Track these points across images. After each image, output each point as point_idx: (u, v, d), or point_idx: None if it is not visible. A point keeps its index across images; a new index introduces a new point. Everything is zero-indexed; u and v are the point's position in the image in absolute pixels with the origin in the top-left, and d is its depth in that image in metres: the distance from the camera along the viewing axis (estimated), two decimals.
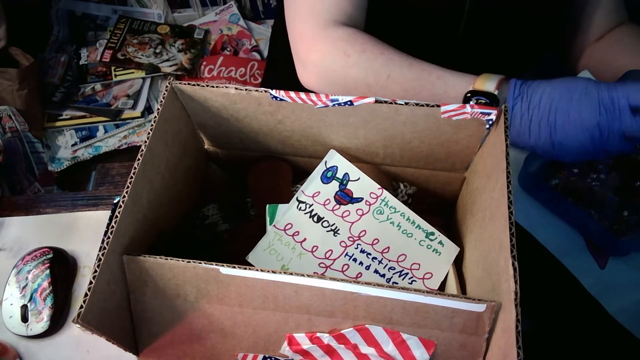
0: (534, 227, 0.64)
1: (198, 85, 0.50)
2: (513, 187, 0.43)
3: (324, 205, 0.53)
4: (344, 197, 0.53)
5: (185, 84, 0.51)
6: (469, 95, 0.58)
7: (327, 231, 0.52)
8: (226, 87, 0.50)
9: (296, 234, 0.51)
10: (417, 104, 0.48)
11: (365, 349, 0.43)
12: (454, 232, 0.59)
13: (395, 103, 0.48)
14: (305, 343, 0.44)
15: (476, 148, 0.53)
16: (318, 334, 0.44)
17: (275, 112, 0.52)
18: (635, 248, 0.62)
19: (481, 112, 0.48)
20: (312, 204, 0.52)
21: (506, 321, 0.38)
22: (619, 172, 0.65)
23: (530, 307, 0.48)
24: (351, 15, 0.66)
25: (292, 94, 0.50)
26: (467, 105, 0.47)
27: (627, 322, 0.58)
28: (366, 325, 0.42)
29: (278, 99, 0.50)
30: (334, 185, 0.53)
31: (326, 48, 0.64)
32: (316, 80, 0.66)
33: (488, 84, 0.58)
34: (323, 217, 0.52)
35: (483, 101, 0.57)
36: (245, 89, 0.50)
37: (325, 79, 0.65)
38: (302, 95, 0.49)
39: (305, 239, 0.51)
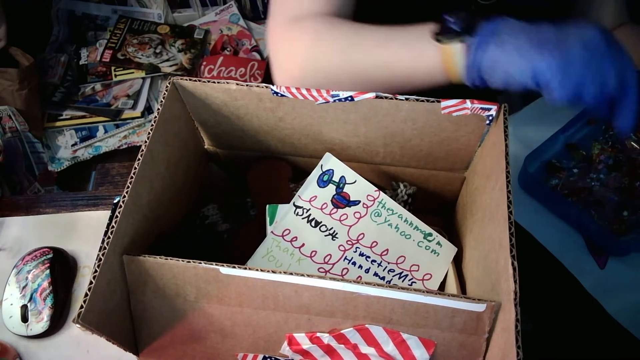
0: (533, 227, 0.64)
1: (199, 81, 0.50)
2: (513, 187, 0.43)
3: (321, 209, 0.53)
4: (341, 200, 0.53)
5: (186, 79, 0.51)
6: (442, 18, 0.53)
7: (326, 235, 0.52)
8: (227, 82, 0.50)
9: (294, 239, 0.51)
10: (417, 100, 0.48)
11: (365, 349, 0.43)
12: (453, 232, 0.59)
13: (396, 99, 0.49)
14: (305, 343, 0.44)
15: (476, 146, 0.53)
16: (318, 334, 0.44)
17: (276, 109, 0.52)
18: (635, 248, 0.62)
19: (481, 108, 0.48)
20: (310, 209, 0.52)
21: (506, 321, 0.38)
22: (619, 173, 0.65)
23: (529, 307, 0.48)
24: (328, 13, 0.63)
25: (293, 89, 0.50)
26: (467, 101, 0.48)
27: (627, 322, 0.58)
28: (366, 325, 0.42)
29: (279, 94, 0.50)
30: (331, 189, 0.53)
31: (295, 34, 0.61)
32: (289, 66, 0.63)
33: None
34: (321, 222, 0.52)
35: (455, 27, 0.52)
36: (247, 85, 0.50)
37: (297, 59, 0.61)
38: (303, 91, 0.50)
39: (303, 244, 0.51)
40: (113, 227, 0.42)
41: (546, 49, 0.48)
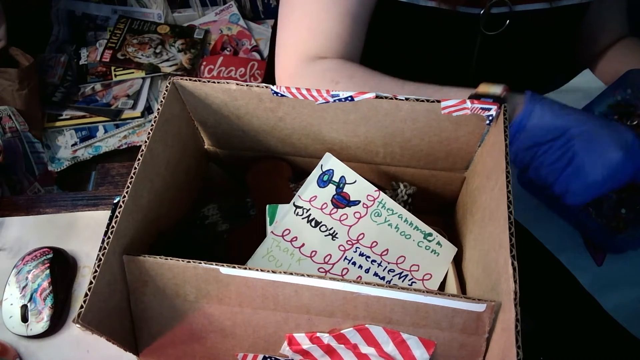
0: (532, 225, 0.64)
1: (199, 81, 0.50)
2: (512, 185, 0.43)
3: (321, 209, 0.53)
4: (341, 200, 0.53)
5: (186, 79, 0.51)
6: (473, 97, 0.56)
7: (326, 235, 0.52)
8: (227, 82, 0.50)
9: (294, 239, 0.51)
10: (417, 100, 0.48)
11: (365, 349, 0.43)
12: (453, 232, 0.59)
13: (396, 99, 0.49)
14: (305, 343, 0.44)
15: (476, 146, 0.53)
16: (318, 334, 0.44)
17: (275, 109, 0.52)
18: (632, 245, 0.62)
19: (481, 108, 0.48)
20: (310, 209, 0.52)
21: (506, 321, 0.38)
22: None
23: (530, 306, 0.48)
24: (341, 54, 0.65)
25: (293, 89, 0.50)
26: (467, 101, 0.48)
27: (624, 319, 0.58)
28: (366, 325, 0.43)
29: (279, 94, 0.50)
30: (331, 189, 0.53)
31: (312, 80, 0.63)
32: None
33: (493, 88, 0.56)
34: (321, 222, 0.52)
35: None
36: (246, 85, 0.50)
37: None
38: (303, 90, 0.49)
39: (303, 244, 0.51)
40: (113, 227, 0.42)
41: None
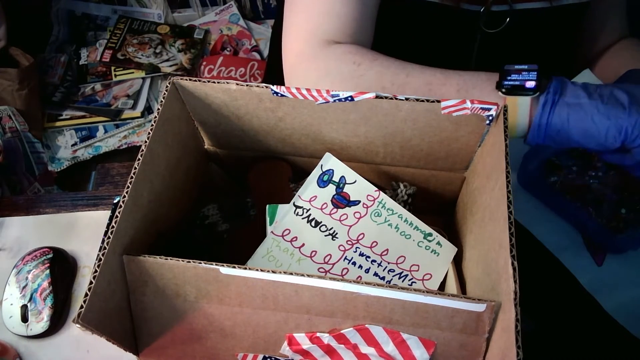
0: (532, 225, 0.64)
1: (199, 81, 0.50)
2: (512, 185, 0.43)
3: (321, 209, 0.53)
4: (341, 200, 0.53)
5: (186, 79, 0.51)
6: (507, 69, 0.54)
7: (326, 235, 0.52)
8: (227, 82, 0.50)
9: (294, 239, 0.51)
10: (417, 100, 0.48)
11: (365, 349, 0.43)
12: (453, 232, 0.59)
13: (396, 99, 0.48)
14: (305, 343, 0.44)
15: (476, 146, 0.53)
16: (318, 334, 0.44)
17: (275, 109, 0.52)
18: (632, 245, 0.62)
19: (481, 108, 0.48)
20: (310, 209, 0.52)
21: (506, 321, 0.38)
22: (617, 171, 0.65)
23: (530, 307, 0.48)
24: (356, 38, 0.63)
25: (293, 89, 0.50)
26: (467, 101, 0.47)
27: (624, 319, 0.58)
28: (366, 325, 0.43)
29: (279, 94, 0.50)
30: (331, 189, 0.53)
31: (329, 63, 0.60)
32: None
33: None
34: (321, 222, 0.52)
35: (525, 67, 0.53)
36: (246, 85, 0.50)
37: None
38: (303, 91, 0.49)
39: (303, 244, 0.51)
40: (113, 227, 0.42)
41: (632, 108, 0.49)
